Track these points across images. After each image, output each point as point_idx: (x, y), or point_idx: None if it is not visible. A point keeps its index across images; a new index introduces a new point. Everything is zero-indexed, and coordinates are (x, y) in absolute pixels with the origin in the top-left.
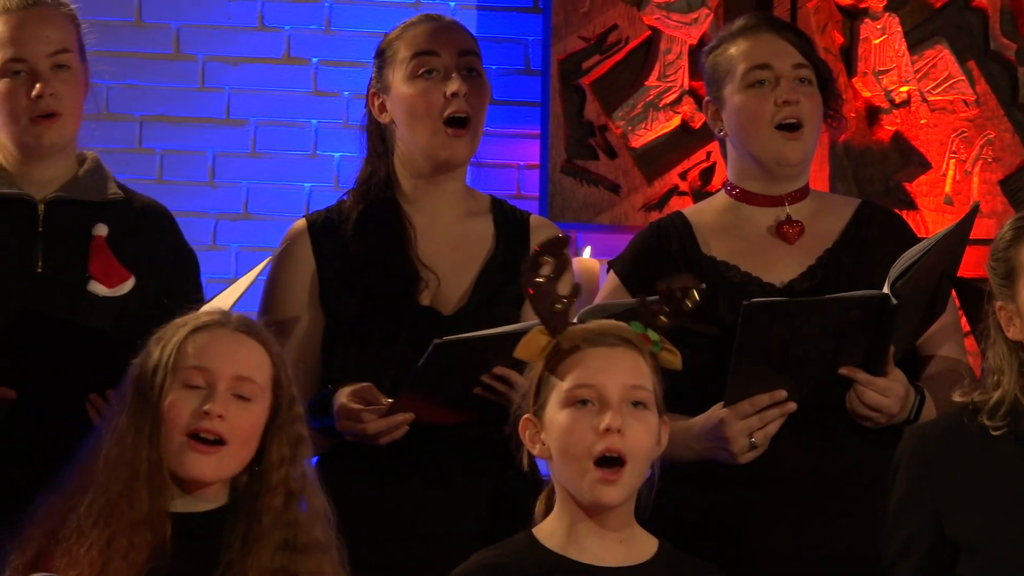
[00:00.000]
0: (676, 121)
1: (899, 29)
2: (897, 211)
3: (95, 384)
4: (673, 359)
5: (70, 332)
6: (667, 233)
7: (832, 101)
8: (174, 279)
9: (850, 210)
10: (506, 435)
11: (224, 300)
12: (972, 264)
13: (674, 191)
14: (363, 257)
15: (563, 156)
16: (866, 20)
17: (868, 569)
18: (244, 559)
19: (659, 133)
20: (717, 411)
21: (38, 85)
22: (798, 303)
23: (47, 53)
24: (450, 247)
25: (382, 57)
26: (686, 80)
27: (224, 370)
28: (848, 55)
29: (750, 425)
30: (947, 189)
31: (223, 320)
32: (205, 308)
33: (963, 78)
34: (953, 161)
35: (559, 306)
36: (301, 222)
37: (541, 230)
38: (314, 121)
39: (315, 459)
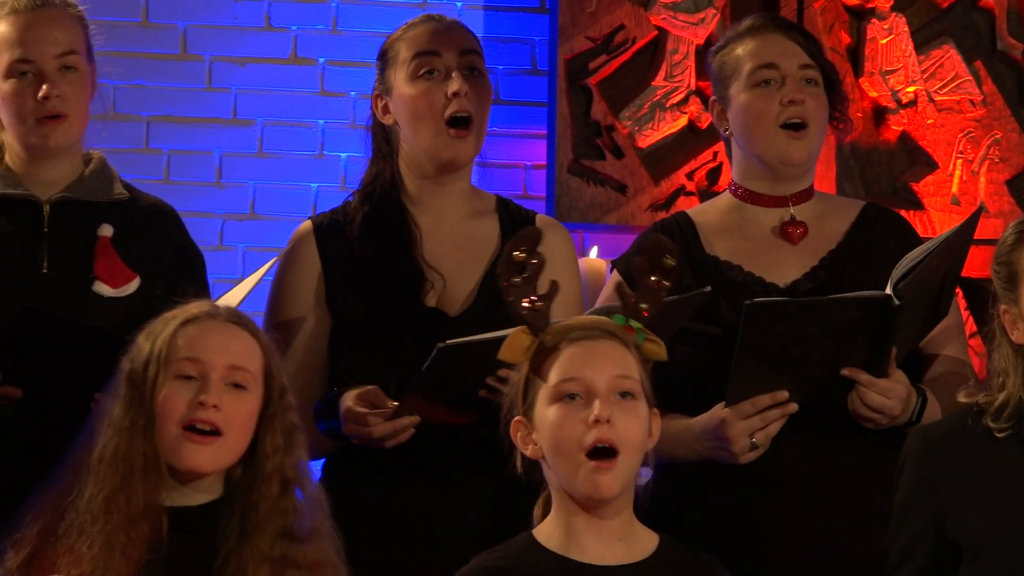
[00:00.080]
0: (683, 121)
1: (906, 29)
2: (904, 211)
3: (99, 385)
4: (657, 350)
5: (73, 332)
6: (670, 232)
7: (838, 103)
8: (180, 279)
9: (854, 212)
10: (499, 439)
11: (229, 301)
12: (979, 265)
13: (681, 191)
14: (369, 258)
15: (570, 156)
16: (873, 20)
17: (868, 570)
18: (242, 550)
19: (666, 133)
20: (718, 411)
21: (44, 86)
22: (800, 303)
23: (54, 54)
24: (456, 248)
25: (384, 58)
26: (693, 80)
27: (217, 360)
28: (855, 55)
29: (751, 425)
30: (954, 189)
31: (212, 311)
32: None
33: (970, 78)
34: (960, 161)
35: (538, 303)
36: (306, 224)
37: (547, 229)
38: (321, 121)
39: (322, 461)
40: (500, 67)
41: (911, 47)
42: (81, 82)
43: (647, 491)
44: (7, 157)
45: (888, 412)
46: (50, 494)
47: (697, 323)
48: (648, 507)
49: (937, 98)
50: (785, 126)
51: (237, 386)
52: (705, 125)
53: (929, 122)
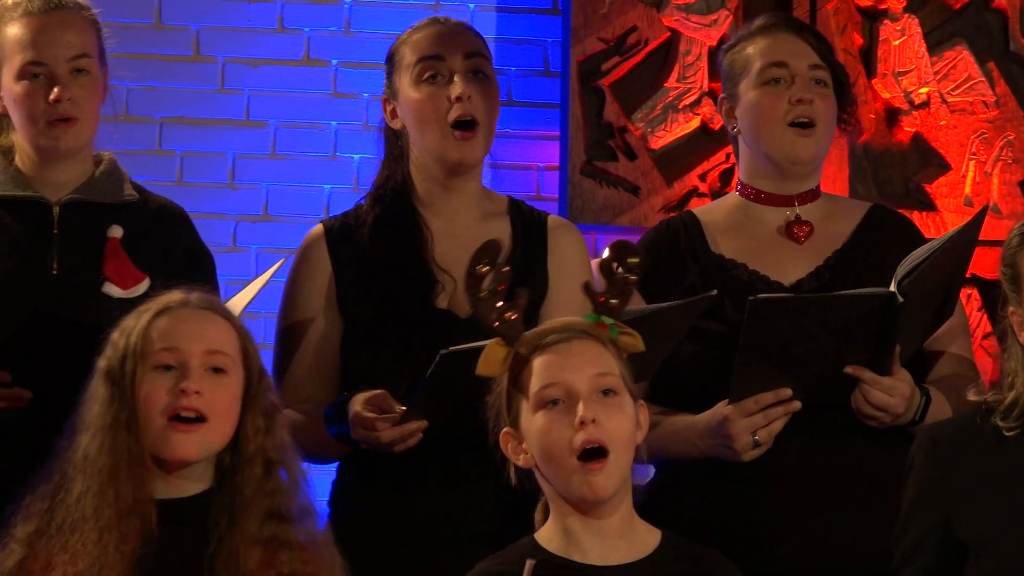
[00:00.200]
0: (696, 123)
1: (919, 30)
2: (917, 213)
3: None
4: (633, 341)
5: (83, 334)
6: (676, 231)
7: (847, 104)
8: (190, 280)
9: (860, 213)
10: (490, 452)
11: (235, 304)
12: (991, 265)
13: (693, 193)
14: (379, 261)
15: (582, 158)
16: (886, 21)
17: (871, 568)
18: (232, 535)
19: (678, 135)
20: (721, 408)
21: (56, 89)
22: (803, 299)
23: (67, 57)
24: (467, 250)
25: (391, 63)
26: (705, 82)
27: (194, 347)
28: (868, 56)
29: (754, 423)
30: (967, 191)
31: (184, 300)
32: None
33: (983, 79)
34: (973, 162)
35: (509, 314)
36: (318, 227)
37: (559, 230)
38: (334, 123)
39: (336, 464)
40: (512, 68)
41: (924, 48)
42: (93, 85)
43: (648, 488)
44: (17, 158)
45: (892, 410)
46: (36, 496)
47: (701, 321)
48: (650, 504)
49: (950, 99)
50: (793, 124)
51: (217, 371)
52: (718, 127)
53: (942, 123)
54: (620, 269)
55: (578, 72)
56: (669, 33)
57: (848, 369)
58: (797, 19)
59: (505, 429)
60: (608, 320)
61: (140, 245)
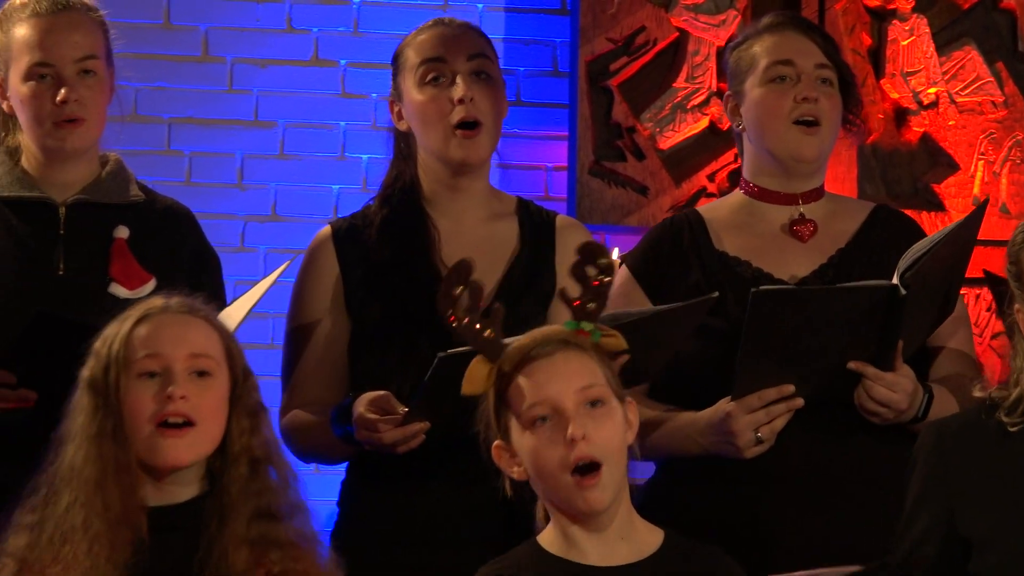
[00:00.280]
0: (704, 123)
1: (927, 30)
2: (925, 213)
3: None
4: (616, 342)
5: (89, 335)
6: (680, 228)
7: (852, 105)
8: (196, 281)
9: (864, 213)
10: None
11: (239, 308)
12: (1000, 264)
13: (702, 193)
14: (387, 261)
15: (591, 158)
16: (894, 21)
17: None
18: (220, 536)
19: (687, 135)
20: (724, 405)
21: (63, 90)
22: (806, 291)
23: (74, 59)
24: (475, 250)
25: (396, 65)
26: (714, 82)
27: (177, 352)
28: (876, 56)
29: (757, 420)
30: (975, 191)
31: (164, 306)
32: (222, 313)
33: (991, 79)
34: (981, 163)
35: (487, 332)
36: (325, 229)
37: (567, 230)
38: (342, 123)
39: (344, 464)
40: (521, 69)
41: (932, 48)
42: (100, 86)
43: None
44: (24, 159)
45: (894, 406)
46: (26, 509)
47: (705, 317)
48: (650, 502)
49: (958, 99)
50: (798, 122)
51: (201, 374)
52: (726, 127)
53: (950, 123)
54: (592, 271)
55: (586, 72)
56: (677, 33)
57: (851, 364)
58: (804, 18)
59: (497, 443)
60: (588, 326)
61: (146, 246)
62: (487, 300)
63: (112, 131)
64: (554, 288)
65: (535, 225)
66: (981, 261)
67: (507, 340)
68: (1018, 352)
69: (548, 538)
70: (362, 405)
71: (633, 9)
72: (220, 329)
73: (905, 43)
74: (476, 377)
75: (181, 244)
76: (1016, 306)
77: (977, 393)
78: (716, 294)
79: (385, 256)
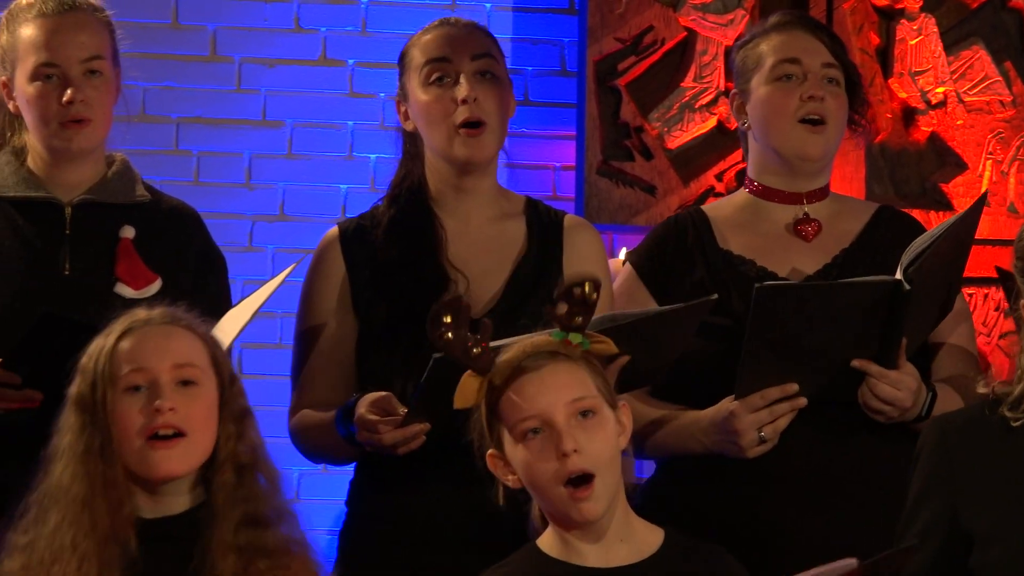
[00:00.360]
0: (712, 122)
1: (935, 30)
2: (934, 213)
3: None
4: (606, 348)
5: (95, 335)
6: (684, 226)
7: (858, 105)
8: (202, 281)
9: (869, 213)
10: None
11: (243, 311)
12: (1009, 264)
13: (710, 192)
14: (393, 262)
15: (599, 157)
16: (902, 21)
17: None
18: (209, 544)
19: (695, 134)
20: (727, 404)
21: (69, 91)
22: (811, 287)
23: (80, 59)
24: (482, 250)
25: (402, 65)
26: (722, 81)
27: (161, 364)
28: (884, 56)
29: (760, 419)
30: (984, 190)
31: (146, 319)
32: (226, 315)
33: (1000, 79)
34: (990, 162)
35: (476, 349)
36: (333, 230)
37: (575, 229)
38: (350, 123)
39: (353, 464)
40: (529, 68)
41: (940, 48)
42: (106, 87)
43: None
44: (30, 159)
45: (899, 404)
46: (19, 530)
47: (709, 315)
48: (650, 502)
49: (967, 99)
50: (804, 121)
51: (188, 383)
52: (734, 126)
53: (959, 123)
54: (577, 288)
55: (594, 72)
56: (685, 33)
57: (855, 363)
58: (811, 17)
59: (491, 452)
60: (576, 337)
61: (152, 246)
62: (493, 302)
63: (120, 131)
64: None
65: (543, 225)
66: (990, 260)
67: (497, 344)
68: (1023, 347)
69: (547, 542)
70: (363, 406)
71: (641, 9)
72: (204, 336)
73: (913, 42)
74: (467, 391)
75: (187, 244)
76: (1022, 302)
77: (981, 390)
78: (715, 296)
79: (392, 256)
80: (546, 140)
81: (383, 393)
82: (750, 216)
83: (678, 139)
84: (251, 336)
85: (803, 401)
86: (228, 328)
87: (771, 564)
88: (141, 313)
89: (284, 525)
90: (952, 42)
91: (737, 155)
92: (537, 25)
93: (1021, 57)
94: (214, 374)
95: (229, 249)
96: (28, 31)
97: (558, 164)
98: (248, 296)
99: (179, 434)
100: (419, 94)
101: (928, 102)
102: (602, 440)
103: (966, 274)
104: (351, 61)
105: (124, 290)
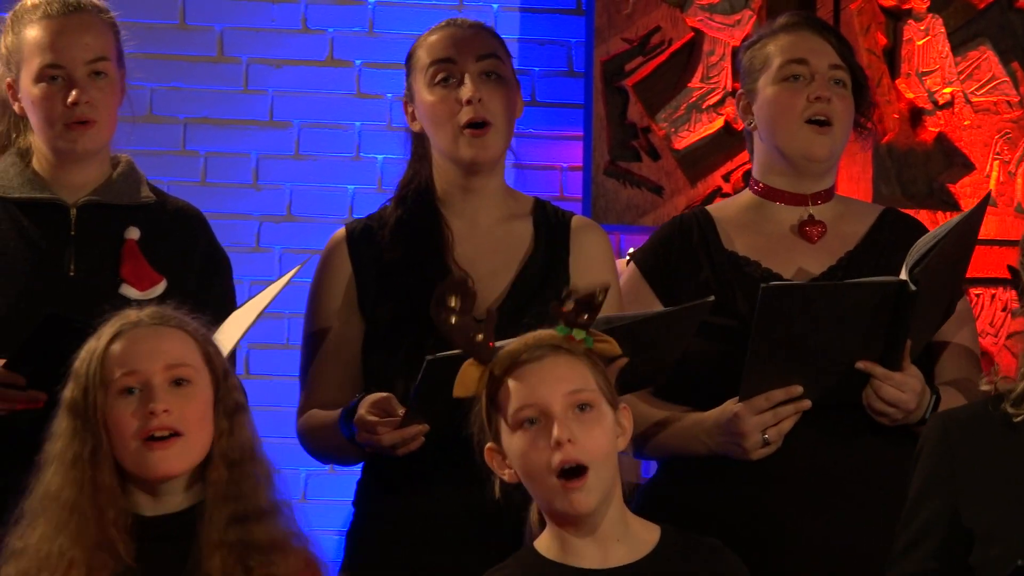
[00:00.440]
0: (719, 123)
1: (942, 30)
2: (940, 213)
3: None
4: (610, 348)
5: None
6: (689, 227)
7: (864, 108)
8: (206, 282)
9: (873, 216)
10: (471, 460)
11: (248, 313)
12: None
13: (717, 193)
14: (399, 262)
15: (606, 158)
16: (909, 21)
17: (874, 569)
18: (202, 541)
19: (702, 135)
20: (731, 405)
21: (74, 92)
22: (816, 287)
23: (85, 60)
24: (489, 250)
25: (408, 65)
26: (729, 82)
27: (153, 365)
28: (891, 56)
29: (764, 421)
30: (990, 190)
31: (135, 321)
32: (231, 316)
33: (1007, 79)
34: (997, 162)
35: (480, 336)
36: (340, 231)
37: (583, 230)
38: (357, 123)
39: (361, 464)
40: (536, 69)
41: (948, 48)
42: (111, 88)
43: (648, 485)
44: (35, 161)
45: (903, 406)
46: (14, 536)
47: (712, 316)
48: (651, 501)
49: (974, 99)
50: (810, 122)
51: (181, 383)
52: (742, 127)
53: (966, 123)
54: (587, 299)
55: (602, 72)
56: (693, 33)
57: (859, 364)
58: (819, 19)
59: (489, 445)
60: (580, 333)
61: (157, 247)
62: (498, 303)
63: (128, 132)
64: None
65: (551, 226)
66: (997, 261)
67: (500, 343)
68: None
69: (545, 543)
70: (364, 407)
71: (648, 9)
72: (195, 333)
73: (920, 43)
74: (467, 380)
75: (192, 246)
76: None
77: (984, 386)
78: (712, 298)
79: (398, 256)
80: (553, 141)
81: (383, 394)
82: (755, 217)
83: (685, 139)
84: (259, 337)
85: (807, 403)
86: (232, 330)
87: (771, 565)
88: (131, 315)
89: (278, 520)
90: (959, 42)
91: (744, 156)
92: (544, 25)
93: None
94: (208, 371)
95: (236, 250)
96: (33, 32)
97: (565, 165)
98: (253, 298)
99: (175, 434)
100: (424, 95)
101: (935, 102)
102: (599, 435)
103: (974, 274)
104: (358, 62)
105: (129, 291)
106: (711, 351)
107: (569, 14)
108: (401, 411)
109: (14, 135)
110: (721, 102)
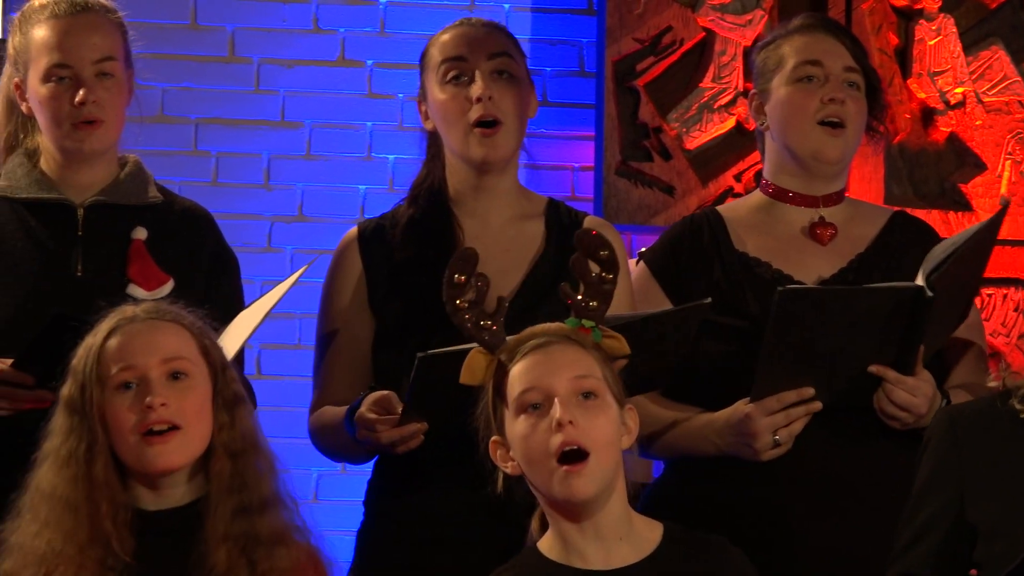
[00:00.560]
0: (731, 123)
1: (954, 30)
2: (952, 213)
3: None
4: (617, 345)
5: None
6: (700, 227)
7: (877, 111)
8: (214, 282)
9: (884, 218)
10: (479, 460)
11: (255, 313)
12: None
13: (728, 193)
14: (410, 261)
15: (618, 158)
16: (921, 21)
17: (883, 572)
18: (206, 535)
19: (713, 135)
20: (742, 406)
21: (81, 92)
22: (833, 291)
23: (92, 60)
24: (501, 250)
25: (421, 64)
26: (740, 82)
27: (150, 359)
28: (903, 56)
29: (775, 422)
30: (1003, 191)
31: (131, 317)
32: (238, 316)
33: (1019, 79)
34: (1009, 162)
35: (488, 323)
36: (352, 230)
37: (598, 230)
38: (369, 123)
39: (371, 464)
40: (548, 69)
41: (959, 48)
42: (118, 88)
43: (655, 485)
44: (42, 161)
45: (915, 411)
46: (10, 530)
47: (723, 317)
48: (658, 501)
49: (986, 99)
50: (823, 123)
51: (178, 376)
52: (753, 127)
53: (978, 123)
54: (595, 270)
55: (613, 72)
56: (704, 33)
57: (872, 368)
58: (835, 21)
59: (493, 438)
60: (589, 323)
61: (165, 247)
62: (509, 298)
63: (138, 132)
64: None
65: (563, 226)
66: (1009, 261)
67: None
68: None
69: (547, 544)
70: (365, 405)
71: (660, 9)
72: (191, 327)
73: (932, 43)
74: (475, 368)
75: (200, 246)
76: None
77: (992, 383)
78: (709, 300)
79: (409, 256)
80: (565, 141)
81: (385, 392)
82: (765, 218)
83: (697, 139)
84: (270, 337)
85: (818, 405)
86: (240, 330)
87: (779, 566)
88: (127, 310)
89: (281, 511)
90: (971, 42)
91: (755, 156)
92: (556, 25)
93: None
94: (205, 364)
95: (247, 250)
96: (41, 32)
97: (577, 165)
98: (260, 298)
99: (174, 428)
100: (436, 93)
101: (947, 102)
102: (602, 423)
103: (985, 274)
104: (370, 62)
105: (136, 291)
106: (721, 352)
107: (581, 14)
108: (400, 409)
109: (22, 135)
110: (733, 102)
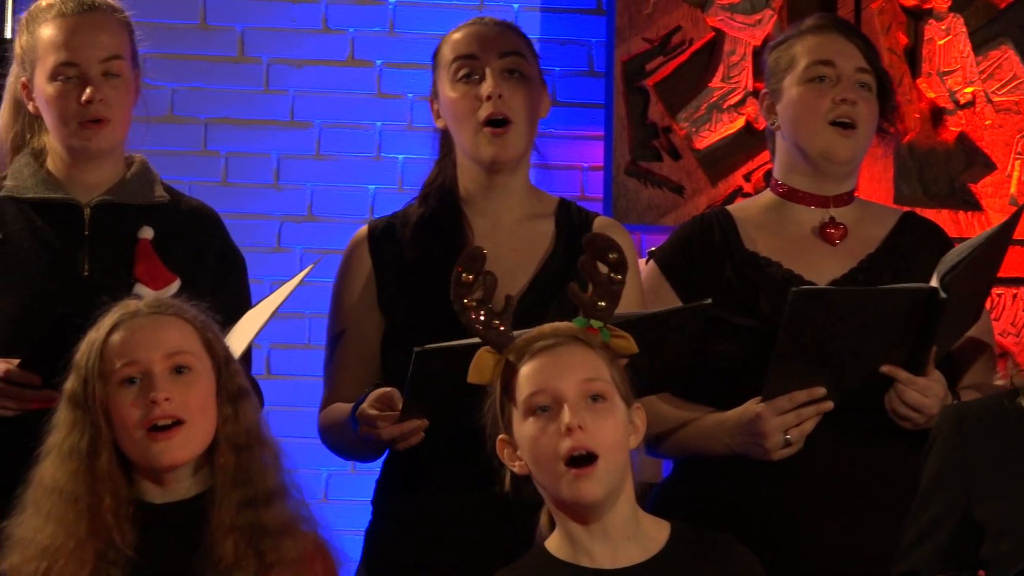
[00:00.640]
0: (740, 122)
1: (963, 30)
2: (962, 213)
3: None
4: (626, 344)
5: None
6: (710, 226)
7: (888, 112)
8: (221, 281)
9: (893, 219)
10: (486, 458)
11: (261, 312)
12: None
13: (738, 192)
14: (420, 260)
15: (627, 158)
16: (930, 21)
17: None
18: (212, 528)
19: (723, 135)
20: (753, 406)
21: (88, 90)
22: (846, 291)
23: (99, 59)
24: (509, 249)
25: (434, 63)
26: (750, 81)
27: (153, 354)
28: (912, 56)
29: (786, 422)
30: (1012, 190)
31: (133, 311)
32: (245, 316)
33: None
34: (1018, 162)
35: (496, 322)
36: (363, 229)
37: (606, 230)
38: (378, 123)
39: (380, 463)
40: (557, 69)
41: (969, 48)
42: (125, 87)
43: (664, 484)
44: (49, 161)
45: (926, 411)
46: (13, 524)
47: (734, 317)
48: (667, 500)
49: (995, 99)
50: (835, 123)
51: (182, 370)
52: (762, 127)
53: (987, 123)
54: (604, 271)
55: (622, 72)
56: (713, 33)
57: (884, 368)
58: (847, 22)
59: (500, 436)
60: (597, 323)
61: (171, 246)
62: (518, 298)
63: (147, 131)
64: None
65: (573, 226)
66: (1019, 261)
67: (517, 333)
68: None
69: (555, 543)
70: (368, 401)
71: (669, 9)
72: (194, 321)
73: (941, 42)
74: (483, 367)
75: (206, 245)
76: None
77: (999, 381)
78: (709, 300)
79: (418, 255)
80: (574, 140)
81: (387, 388)
82: (775, 218)
83: (706, 139)
84: (280, 337)
85: (830, 404)
86: (246, 329)
87: (788, 566)
88: (130, 305)
89: (287, 502)
90: (980, 42)
91: (765, 155)
92: (565, 25)
93: None
94: (208, 357)
95: (257, 250)
96: (47, 31)
97: (586, 164)
98: (266, 297)
99: (178, 422)
100: (447, 91)
101: (956, 102)
102: (610, 426)
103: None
104: (379, 62)
105: (143, 291)
106: (732, 351)
107: (590, 14)
108: (401, 405)
109: (28, 135)
110: (742, 102)
